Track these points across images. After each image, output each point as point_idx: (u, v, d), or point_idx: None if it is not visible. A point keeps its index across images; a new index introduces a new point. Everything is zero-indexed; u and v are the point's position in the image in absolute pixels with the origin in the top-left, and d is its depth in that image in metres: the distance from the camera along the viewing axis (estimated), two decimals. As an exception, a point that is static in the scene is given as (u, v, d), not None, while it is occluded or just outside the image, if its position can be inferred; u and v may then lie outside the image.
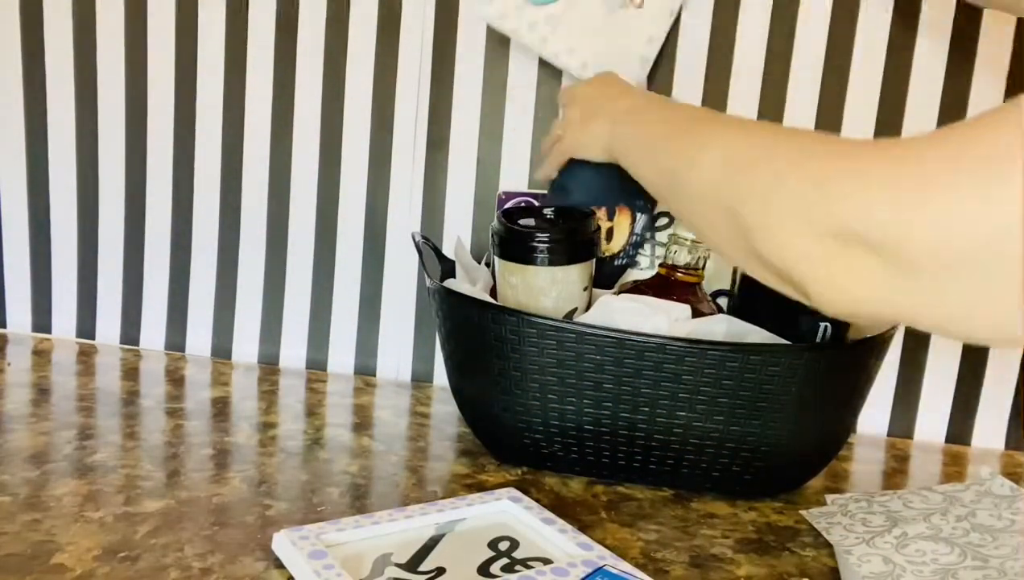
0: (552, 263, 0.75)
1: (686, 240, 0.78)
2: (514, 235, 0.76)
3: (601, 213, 0.84)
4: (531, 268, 0.75)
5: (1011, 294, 0.37)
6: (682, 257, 0.77)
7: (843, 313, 0.46)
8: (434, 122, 0.98)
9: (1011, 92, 0.93)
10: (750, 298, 0.78)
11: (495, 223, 0.78)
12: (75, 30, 0.99)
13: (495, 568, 0.56)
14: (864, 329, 0.74)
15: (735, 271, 0.84)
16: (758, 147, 0.50)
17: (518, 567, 0.56)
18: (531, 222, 0.78)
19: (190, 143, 1.01)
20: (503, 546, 0.59)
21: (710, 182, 0.53)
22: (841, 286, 0.44)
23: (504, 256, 0.77)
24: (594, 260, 0.78)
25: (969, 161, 0.39)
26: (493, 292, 0.83)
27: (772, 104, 0.94)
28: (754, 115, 0.95)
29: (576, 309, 0.76)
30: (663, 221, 0.88)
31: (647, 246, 0.88)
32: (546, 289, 0.75)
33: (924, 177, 0.40)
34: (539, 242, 0.75)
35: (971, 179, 0.38)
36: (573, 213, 0.79)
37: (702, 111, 0.64)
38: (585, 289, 0.77)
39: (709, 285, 0.83)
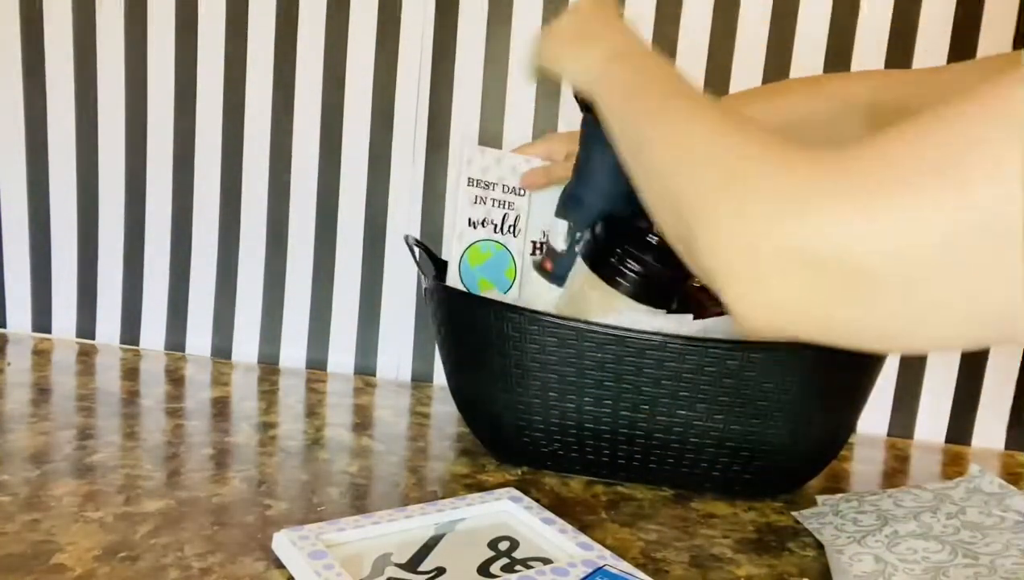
0: (629, 294, 0.71)
1: None
2: (622, 258, 0.71)
3: None
4: (612, 291, 0.72)
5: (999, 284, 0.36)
6: None
7: (766, 328, 0.43)
8: (434, 122, 0.98)
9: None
10: None
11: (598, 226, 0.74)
12: (75, 30, 0.99)
13: (495, 568, 0.56)
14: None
15: None
16: (718, 139, 0.49)
17: (518, 567, 0.56)
18: (635, 246, 0.73)
19: (190, 143, 1.01)
20: (503, 546, 0.59)
21: (664, 161, 0.51)
22: (769, 301, 0.42)
23: (588, 259, 0.73)
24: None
25: (923, 161, 0.37)
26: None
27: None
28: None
29: None
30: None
31: None
32: (598, 305, 0.72)
33: (882, 180, 0.38)
34: (631, 270, 0.71)
35: (927, 179, 0.37)
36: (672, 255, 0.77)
37: (681, 82, 0.58)
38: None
39: None
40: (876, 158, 0.39)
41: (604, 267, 0.72)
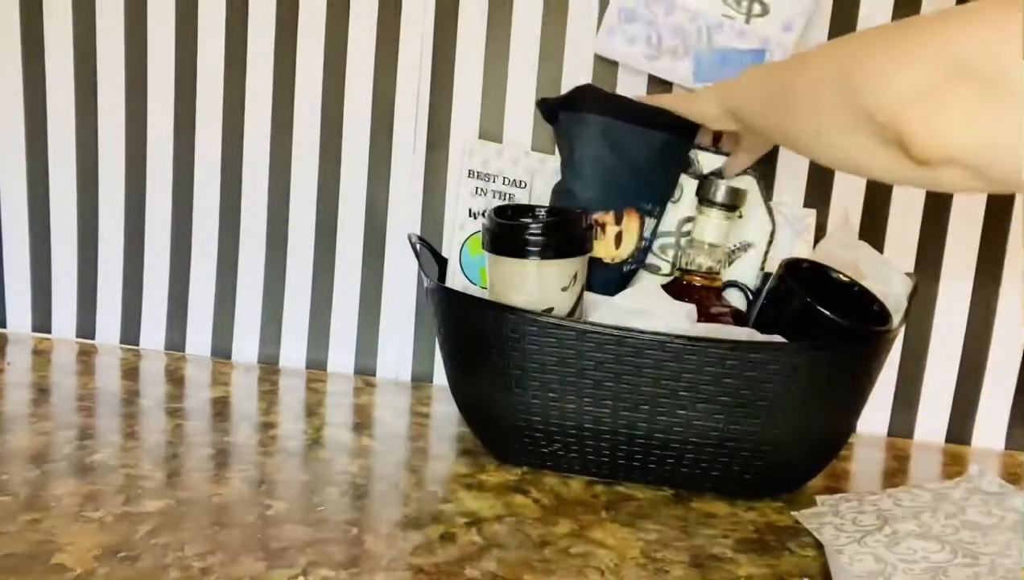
0: (523, 255, 0.72)
1: (704, 244, 0.77)
2: (492, 225, 0.74)
3: (608, 217, 0.81)
4: (504, 259, 0.73)
5: None
6: (700, 261, 0.77)
7: (939, 154, 0.50)
8: (434, 122, 0.98)
9: None
10: (774, 309, 0.76)
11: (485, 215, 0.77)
12: (75, 29, 0.99)
13: None
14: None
15: (764, 280, 0.83)
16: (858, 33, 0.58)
17: None
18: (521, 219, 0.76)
19: (190, 143, 1.01)
20: None
21: (819, 66, 0.59)
22: (941, 124, 0.49)
23: (484, 246, 0.75)
24: (578, 260, 0.74)
25: None
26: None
27: None
28: None
29: (552, 309, 0.73)
30: (672, 225, 0.86)
31: (670, 252, 0.86)
32: (516, 283, 0.73)
33: None
34: (506, 232, 0.72)
35: None
36: (564, 212, 0.77)
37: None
38: (564, 289, 0.73)
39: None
40: None
41: (508, 248, 0.73)
